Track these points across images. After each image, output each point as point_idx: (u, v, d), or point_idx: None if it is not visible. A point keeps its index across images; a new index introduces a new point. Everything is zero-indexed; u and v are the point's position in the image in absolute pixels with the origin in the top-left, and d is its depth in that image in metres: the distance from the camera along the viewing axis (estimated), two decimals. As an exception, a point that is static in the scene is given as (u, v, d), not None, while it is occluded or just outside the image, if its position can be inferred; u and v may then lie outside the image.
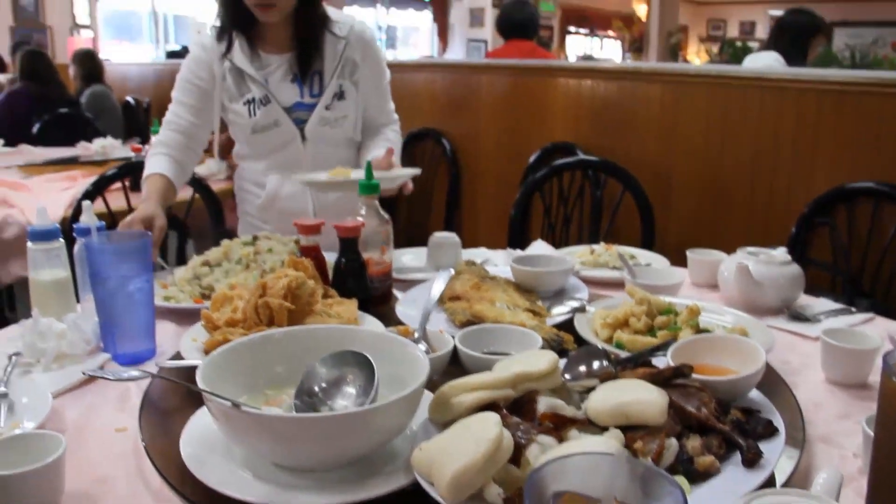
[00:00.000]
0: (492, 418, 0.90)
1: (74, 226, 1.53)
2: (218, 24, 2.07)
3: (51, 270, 1.52)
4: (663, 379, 1.06)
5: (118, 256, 1.37)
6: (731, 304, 1.66)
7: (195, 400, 1.10)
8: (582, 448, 0.86)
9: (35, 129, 4.93)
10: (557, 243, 3.03)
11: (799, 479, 1.02)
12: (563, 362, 1.14)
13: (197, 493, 0.95)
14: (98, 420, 1.20)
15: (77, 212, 2.45)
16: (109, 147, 4.17)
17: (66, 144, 4.62)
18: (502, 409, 1.00)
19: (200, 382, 0.97)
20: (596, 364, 1.15)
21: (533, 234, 3.01)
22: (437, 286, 1.47)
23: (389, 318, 1.55)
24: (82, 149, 4.22)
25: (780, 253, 1.72)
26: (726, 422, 1.01)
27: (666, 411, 0.98)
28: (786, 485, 0.96)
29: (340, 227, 1.53)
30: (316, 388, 1.07)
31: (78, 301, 1.59)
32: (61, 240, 1.52)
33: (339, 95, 2.08)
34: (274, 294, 1.33)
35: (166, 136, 2.07)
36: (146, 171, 2.00)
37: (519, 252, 2.05)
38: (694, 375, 1.09)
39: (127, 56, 11.24)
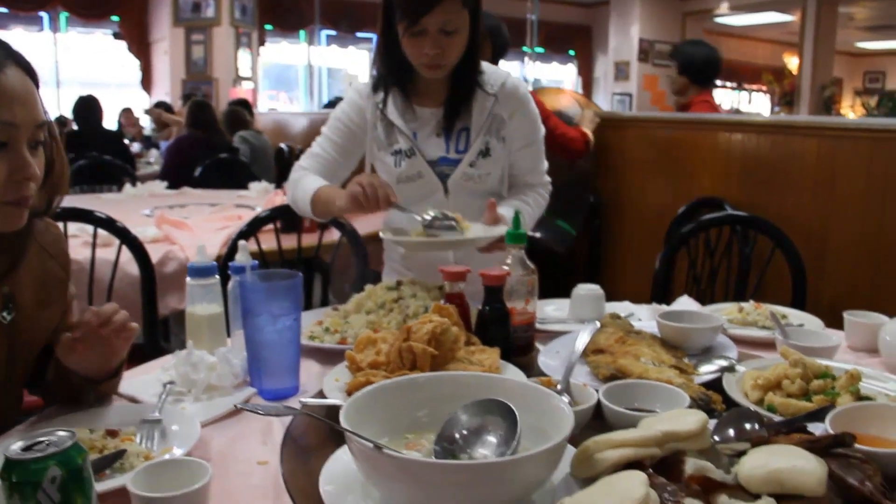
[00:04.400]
0: (637, 477, 0.86)
1: (230, 264, 1.60)
2: (375, 74, 2.12)
3: (206, 305, 1.59)
4: (822, 447, 0.98)
5: (270, 295, 1.42)
6: (893, 372, 1.54)
7: (336, 439, 1.11)
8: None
9: (197, 172, 5.25)
10: (702, 299, 2.92)
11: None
12: (712, 423, 1.08)
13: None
14: (241, 451, 1.24)
15: (232, 250, 2.57)
16: (262, 193, 4.41)
17: (225, 187, 4.90)
18: (648, 468, 0.95)
19: (343, 422, 0.98)
20: (747, 426, 1.08)
21: (677, 288, 2.92)
22: (582, 339, 1.44)
23: (531, 369, 1.52)
24: (238, 197, 4.46)
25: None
26: (893, 498, 0.92)
27: (825, 482, 0.91)
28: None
29: (486, 275, 1.53)
30: (457, 435, 1.06)
31: (229, 335, 1.65)
32: (217, 276, 1.59)
33: (485, 153, 2.07)
34: (418, 339, 1.33)
35: (308, 164, 2.13)
36: (309, 188, 2.02)
37: (664, 307, 1.99)
38: (857, 446, 1.01)
39: (284, 106, 11.87)
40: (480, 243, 1.88)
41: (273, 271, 1.49)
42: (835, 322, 1.88)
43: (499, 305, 1.53)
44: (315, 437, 1.25)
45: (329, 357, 1.63)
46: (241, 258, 1.60)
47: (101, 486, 1.04)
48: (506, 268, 1.60)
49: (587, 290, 1.93)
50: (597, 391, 1.26)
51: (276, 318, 1.42)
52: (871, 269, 3.03)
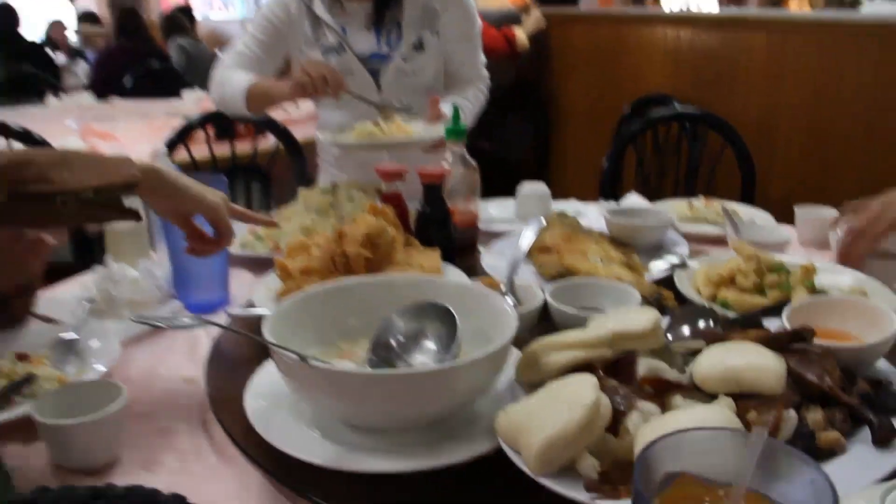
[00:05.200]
0: (588, 381, 0.79)
1: (149, 171, 1.47)
2: None
3: (125, 217, 1.46)
4: (780, 343, 0.93)
5: (191, 202, 1.31)
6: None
7: (266, 351, 1.02)
8: (691, 418, 0.74)
9: (128, 83, 4.99)
10: (652, 197, 2.87)
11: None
12: (664, 321, 1.03)
13: (261, 452, 0.88)
14: (166, 369, 1.16)
15: (161, 161, 2.42)
16: (196, 101, 4.19)
17: (157, 97, 4.66)
18: (598, 370, 0.89)
19: (266, 334, 0.89)
20: (701, 324, 1.03)
21: (625, 188, 2.86)
22: (527, 236, 1.35)
23: (474, 271, 1.45)
24: (170, 106, 4.24)
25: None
26: (853, 393, 0.88)
27: (784, 379, 0.85)
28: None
29: (424, 173, 1.43)
30: (392, 342, 0.99)
31: (153, 248, 1.55)
32: (136, 185, 1.46)
33: (418, 46, 1.96)
34: (351, 242, 1.24)
35: (232, 61, 2.00)
36: (241, 82, 1.90)
37: (613, 204, 1.92)
38: (815, 341, 0.96)
39: (219, 14, 11.37)
40: (425, 144, 1.78)
41: (196, 175, 1.37)
42: (785, 218, 1.83)
43: (439, 205, 1.45)
44: (244, 350, 1.17)
45: (262, 266, 1.54)
46: (162, 165, 1.47)
47: (5, 416, 0.95)
48: (445, 165, 1.51)
49: (532, 189, 1.85)
50: (543, 291, 1.19)
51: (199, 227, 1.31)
52: (819, 164, 3.00)
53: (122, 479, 0.88)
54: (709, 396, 0.88)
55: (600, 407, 0.77)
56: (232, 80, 1.93)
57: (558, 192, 1.97)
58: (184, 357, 1.19)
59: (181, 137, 2.48)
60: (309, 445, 0.85)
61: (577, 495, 0.73)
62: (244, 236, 1.67)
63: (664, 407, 0.84)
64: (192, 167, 2.53)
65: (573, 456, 0.76)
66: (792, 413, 0.83)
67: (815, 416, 0.84)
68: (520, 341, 0.95)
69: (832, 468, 0.79)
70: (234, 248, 1.55)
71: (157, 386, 1.10)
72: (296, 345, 0.89)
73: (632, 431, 0.78)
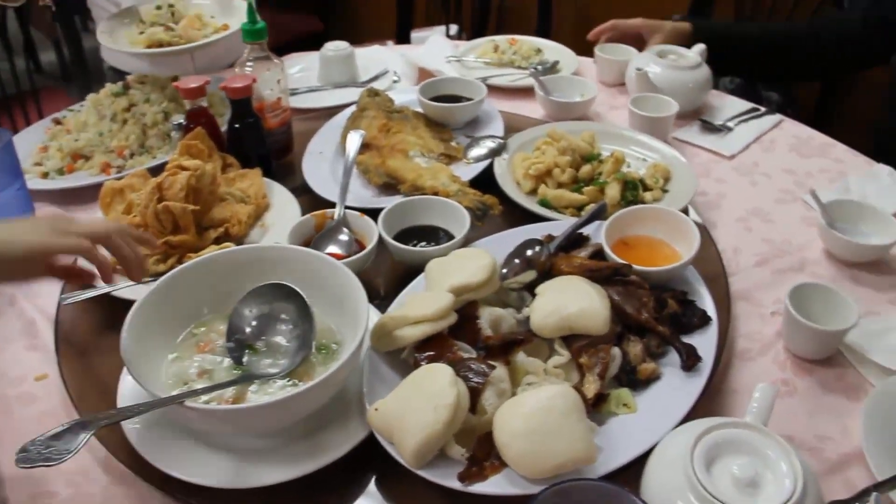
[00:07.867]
0: (445, 377, 0.87)
1: None
2: None
3: None
4: (603, 276, 1.05)
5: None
6: (637, 106, 1.57)
7: (114, 321, 0.95)
8: (540, 402, 0.85)
9: None
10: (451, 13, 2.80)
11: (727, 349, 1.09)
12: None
13: (149, 472, 0.90)
14: (11, 365, 1.12)
15: None
16: None
17: None
18: (447, 337, 0.98)
19: (131, 369, 0.88)
20: (530, 252, 1.12)
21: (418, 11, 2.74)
22: (350, 153, 1.34)
23: (294, 174, 1.46)
24: None
25: (693, 54, 1.64)
26: (664, 318, 1.02)
27: (609, 322, 0.98)
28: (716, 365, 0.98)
29: (229, 88, 1.36)
30: (247, 329, 1.01)
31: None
32: None
33: None
34: (173, 196, 1.21)
35: None
36: None
37: (415, 54, 1.90)
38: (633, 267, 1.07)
39: None
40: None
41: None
42: (583, 29, 1.88)
43: (250, 119, 1.40)
44: (89, 331, 1.15)
45: (68, 196, 1.46)
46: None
47: None
48: (248, 70, 1.43)
49: (335, 51, 1.80)
50: (375, 221, 1.21)
51: (-6, 195, 1.22)
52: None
53: (16, 523, 0.90)
54: (546, 342, 1.00)
55: (461, 400, 0.86)
56: None
57: (348, 26, 1.90)
58: (24, 346, 1.15)
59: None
60: (195, 465, 0.89)
61: (452, 484, 0.84)
62: (37, 157, 1.55)
63: (509, 364, 0.95)
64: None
65: (443, 445, 0.86)
66: (616, 351, 0.97)
67: (635, 349, 0.98)
68: (362, 275, 1.00)
69: (653, 399, 0.95)
70: (33, 182, 1.44)
71: (10, 392, 1.07)
72: (153, 347, 0.94)
73: (489, 411, 0.89)
